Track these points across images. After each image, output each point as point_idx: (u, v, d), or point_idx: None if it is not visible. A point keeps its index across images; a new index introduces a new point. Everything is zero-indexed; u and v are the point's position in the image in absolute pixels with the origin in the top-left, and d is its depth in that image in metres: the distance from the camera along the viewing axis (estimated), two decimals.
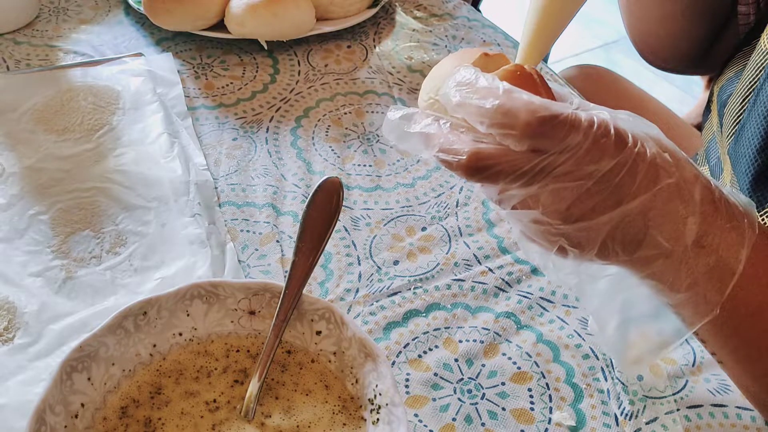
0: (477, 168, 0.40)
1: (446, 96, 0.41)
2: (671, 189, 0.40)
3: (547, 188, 0.40)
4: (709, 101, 0.78)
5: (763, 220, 0.59)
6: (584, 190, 0.40)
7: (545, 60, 0.49)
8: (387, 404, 0.47)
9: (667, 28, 0.80)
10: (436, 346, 0.59)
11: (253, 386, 0.48)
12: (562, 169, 0.39)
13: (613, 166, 0.39)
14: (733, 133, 0.64)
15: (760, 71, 0.61)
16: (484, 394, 0.56)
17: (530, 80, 0.43)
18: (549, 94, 0.44)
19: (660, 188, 0.40)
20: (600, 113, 0.40)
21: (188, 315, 0.51)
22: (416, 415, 0.54)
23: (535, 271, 0.65)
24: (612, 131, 0.39)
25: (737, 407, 0.56)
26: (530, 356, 0.58)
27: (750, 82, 0.63)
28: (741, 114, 0.63)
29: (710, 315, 0.42)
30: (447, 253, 0.66)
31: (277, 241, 0.66)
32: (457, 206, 0.71)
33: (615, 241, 0.41)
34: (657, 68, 0.87)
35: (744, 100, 0.63)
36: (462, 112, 0.41)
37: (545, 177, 0.40)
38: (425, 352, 0.58)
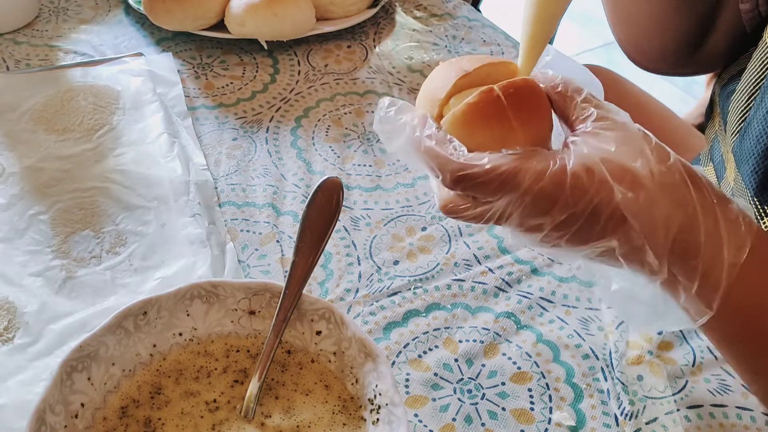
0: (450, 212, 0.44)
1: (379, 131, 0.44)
2: (645, 219, 0.40)
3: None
4: (712, 100, 0.78)
5: None
6: (545, 232, 0.41)
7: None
8: (387, 404, 0.47)
9: (654, 25, 0.79)
10: (436, 346, 0.59)
11: (253, 386, 0.48)
12: (510, 220, 0.41)
13: (568, 217, 0.40)
14: (738, 132, 0.64)
15: (765, 69, 0.61)
16: (484, 394, 0.56)
17: (497, 108, 0.42)
18: (533, 115, 0.43)
19: (628, 225, 0.40)
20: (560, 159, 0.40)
21: (188, 315, 0.51)
22: (416, 415, 0.54)
23: (535, 271, 0.65)
24: (567, 182, 0.39)
25: (737, 407, 0.56)
26: (530, 356, 0.58)
27: (755, 80, 0.62)
28: (746, 112, 0.63)
29: (706, 316, 0.42)
30: (447, 253, 0.66)
31: (277, 241, 0.66)
32: None
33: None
34: (646, 70, 0.87)
35: (750, 97, 0.63)
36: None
37: (499, 221, 0.42)
38: (425, 352, 0.58)
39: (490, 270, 0.65)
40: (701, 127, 1.02)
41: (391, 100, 0.45)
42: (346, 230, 0.68)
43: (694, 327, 0.44)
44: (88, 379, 0.47)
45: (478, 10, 1.12)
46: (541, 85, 0.44)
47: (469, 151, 0.41)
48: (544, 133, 0.44)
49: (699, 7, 0.75)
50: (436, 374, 0.57)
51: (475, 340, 0.59)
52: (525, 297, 0.63)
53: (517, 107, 0.42)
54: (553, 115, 0.44)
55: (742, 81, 0.65)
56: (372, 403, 0.48)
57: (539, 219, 0.40)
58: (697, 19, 0.76)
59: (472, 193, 0.42)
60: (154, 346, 0.51)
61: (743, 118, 0.64)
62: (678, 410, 0.55)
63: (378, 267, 0.64)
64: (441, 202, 0.45)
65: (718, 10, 0.74)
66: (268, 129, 0.78)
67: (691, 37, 0.78)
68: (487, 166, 0.40)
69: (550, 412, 0.55)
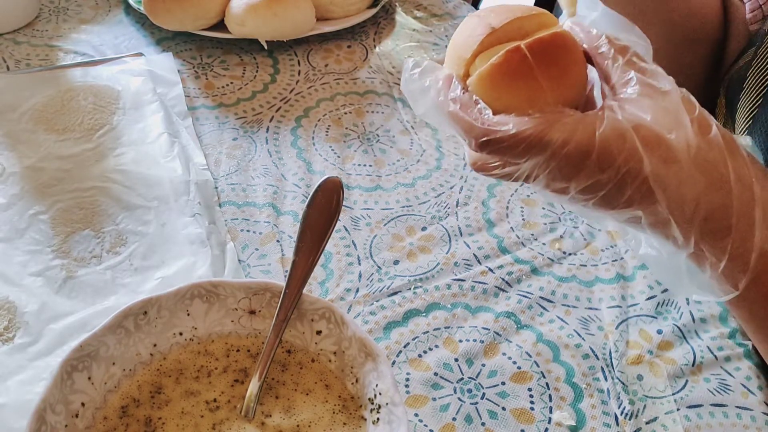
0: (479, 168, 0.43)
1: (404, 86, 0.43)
2: (674, 189, 0.39)
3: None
4: (715, 97, 0.76)
5: None
6: (571, 194, 0.40)
7: None
8: (387, 404, 0.47)
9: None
10: (436, 346, 0.59)
11: (253, 386, 0.48)
12: (537, 181, 0.40)
13: (593, 183, 0.39)
14: (747, 128, 0.63)
15: None
16: (484, 394, 0.56)
17: (524, 67, 0.40)
18: (564, 73, 0.41)
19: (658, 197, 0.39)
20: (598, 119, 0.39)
21: (188, 314, 0.51)
22: (416, 415, 0.54)
23: (535, 270, 0.65)
24: (595, 148, 0.38)
25: (737, 407, 0.56)
26: (530, 356, 0.58)
27: (763, 76, 0.61)
28: (755, 110, 0.62)
29: (731, 294, 0.41)
30: (447, 253, 0.66)
31: (278, 241, 0.66)
32: (457, 206, 0.71)
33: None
34: None
35: (758, 95, 0.62)
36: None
37: (527, 181, 0.41)
38: (425, 352, 0.58)
39: (490, 270, 0.65)
40: None
41: (416, 61, 0.43)
42: (347, 230, 0.68)
43: (719, 300, 0.42)
44: (89, 378, 0.47)
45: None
46: (583, 45, 0.42)
47: (496, 112, 0.40)
48: (576, 91, 0.42)
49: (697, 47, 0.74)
50: (436, 374, 0.57)
51: (475, 340, 0.59)
52: (525, 297, 0.63)
53: (546, 65, 0.40)
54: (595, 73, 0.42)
55: (750, 77, 0.64)
56: (372, 403, 0.48)
57: (565, 183, 0.39)
58: (694, 56, 0.76)
59: (498, 156, 0.41)
60: (155, 345, 0.51)
61: (751, 116, 0.63)
62: (678, 410, 0.55)
63: (378, 267, 0.65)
64: (471, 159, 0.44)
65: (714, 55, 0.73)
66: (268, 129, 0.78)
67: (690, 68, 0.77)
68: (512, 131, 0.39)
69: (550, 411, 0.55)
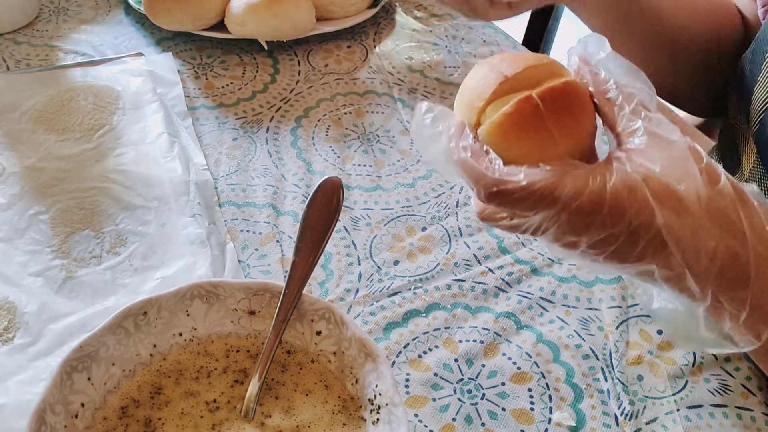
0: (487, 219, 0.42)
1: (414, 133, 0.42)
2: (687, 240, 0.38)
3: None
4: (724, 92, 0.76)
5: None
6: (581, 249, 0.39)
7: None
8: (387, 404, 0.47)
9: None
10: (436, 346, 0.59)
11: (253, 386, 0.48)
12: (545, 235, 0.39)
13: (605, 237, 0.38)
14: (759, 121, 0.62)
15: None
16: (484, 395, 0.56)
17: (535, 117, 0.40)
18: (575, 122, 0.41)
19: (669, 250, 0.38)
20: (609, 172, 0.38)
21: (188, 315, 0.51)
22: (416, 415, 0.54)
23: (535, 271, 0.65)
24: (606, 202, 0.37)
25: (737, 407, 0.56)
26: (530, 356, 0.58)
27: None
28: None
29: (753, 346, 0.40)
30: (447, 253, 0.66)
31: (277, 241, 0.66)
32: (457, 206, 0.71)
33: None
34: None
35: None
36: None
37: (535, 234, 0.40)
38: (425, 352, 0.58)
39: (490, 270, 0.65)
40: (701, 127, 1.02)
41: (429, 106, 0.43)
42: (346, 230, 0.68)
43: (739, 351, 0.41)
44: (88, 379, 0.47)
45: None
46: (590, 88, 0.42)
47: (507, 162, 0.39)
48: (586, 139, 0.41)
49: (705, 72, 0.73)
50: (436, 374, 0.57)
51: (475, 340, 0.59)
52: (525, 297, 0.63)
53: (557, 115, 0.40)
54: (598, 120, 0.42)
55: (764, 71, 0.63)
56: (372, 403, 0.48)
57: (575, 237, 0.39)
58: (703, 83, 0.75)
59: (507, 208, 0.40)
60: (154, 346, 0.51)
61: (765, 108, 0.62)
62: (678, 410, 0.55)
63: (378, 267, 0.64)
64: (478, 208, 0.43)
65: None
66: (268, 129, 0.78)
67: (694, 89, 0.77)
68: (523, 183, 0.38)
69: (550, 412, 0.55)
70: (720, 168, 0.40)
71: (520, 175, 0.38)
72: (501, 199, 0.39)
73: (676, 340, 0.58)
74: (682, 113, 1.01)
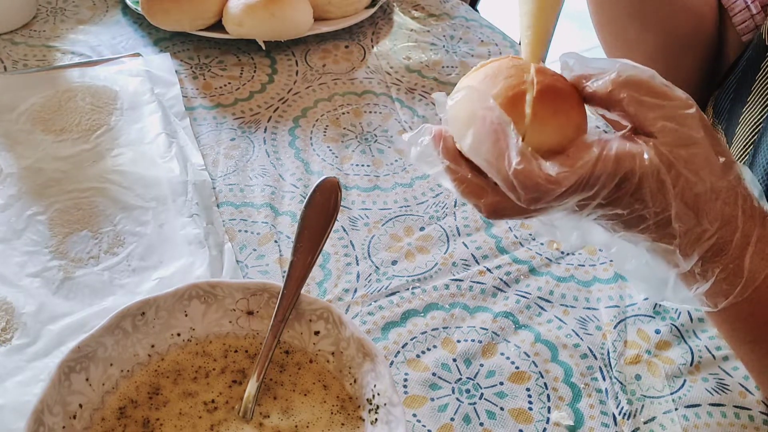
0: (494, 214, 0.43)
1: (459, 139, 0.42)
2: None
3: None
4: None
5: None
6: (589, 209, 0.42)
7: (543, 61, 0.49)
8: (385, 404, 0.47)
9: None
10: (435, 346, 0.59)
11: (251, 386, 0.48)
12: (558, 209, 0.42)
13: (618, 182, 0.40)
14: (747, 155, 0.63)
15: None
16: (482, 394, 0.56)
17: (564, 95, 0.41)
18: (579, 103, 0.42)
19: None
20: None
21: (186, 315, 0.51)
22: (414, 415, 0.54)
23: (533, 270, 0.65)
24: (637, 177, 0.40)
25: (735, 406, 0.56)
26: (528, 356, 0.58)
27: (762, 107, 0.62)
28: (754, 136, 0.63)
29: (712, 309, 0.44)
30: (445, 253, 0.66)
31: (275, 241, 0.66)
32: (455, 206, 0.71)
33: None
34: None
35: (757, 127, 0.63)
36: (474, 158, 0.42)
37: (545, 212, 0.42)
38: (423, 352, 0.58)
39: (488, 270, 0.65)
40: None
41: (410, 133, 0.43)
42: (344, 230, 0.68)
43: (699, 309, 0.45)
44: (86, 379, 0.47)
45: (476, 10, 1.12)
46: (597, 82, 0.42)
47: (541, 152, 0.40)
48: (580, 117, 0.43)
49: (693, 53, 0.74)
50: (434, 374, 0.57)
51: (473, 340, 0.59)
52: (523, 297, 0.63)
53: (557, 99, 0.42)
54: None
55: (750, 107, 0.64)
56: (370, 403, 0.48)
57: (591, 191, 0.40)
58: (691, 62, 0.76)
59: (544, 205, 0.41)
60: (153, 346, 0.51)
61: (752, 141, 0.63)
62: (676, 409, 0.55)
63: (376, 267, 0.64)
64: (488, 209, 0.43)
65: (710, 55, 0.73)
66: (266, 129, 0.78)
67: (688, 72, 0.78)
68: (572, 180, 0.39)
69: (549, 411, 0.55)
70: (731, 155, 0.42)
71: (573, 178, 0.39)
72: (546, 200, 0.40)
73: (644, 292, 0.61)
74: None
